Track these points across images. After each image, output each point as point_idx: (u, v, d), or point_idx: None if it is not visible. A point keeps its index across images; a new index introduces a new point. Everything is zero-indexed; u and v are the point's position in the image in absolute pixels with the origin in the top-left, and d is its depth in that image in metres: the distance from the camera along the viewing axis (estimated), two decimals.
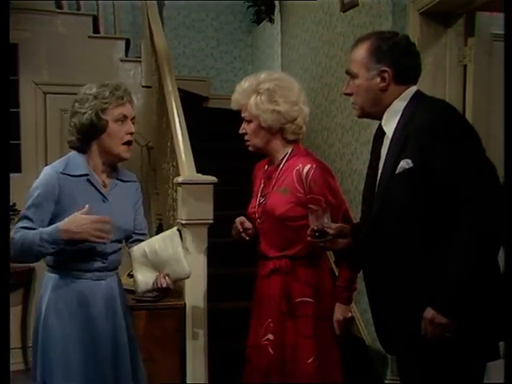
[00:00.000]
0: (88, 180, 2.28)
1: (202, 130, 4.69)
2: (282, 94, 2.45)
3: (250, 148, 2.54)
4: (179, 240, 2.32)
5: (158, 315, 3.15)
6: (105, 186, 2.34)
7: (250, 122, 2.48)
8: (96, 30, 5.04)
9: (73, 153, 2.34)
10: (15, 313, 4.61)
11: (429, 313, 1.81)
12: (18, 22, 4.66)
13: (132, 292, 3.31)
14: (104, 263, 2.31)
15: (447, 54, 3.33)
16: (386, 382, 3.55)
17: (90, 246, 2.22)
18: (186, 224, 3.15)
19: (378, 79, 1.95)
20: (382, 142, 2.03)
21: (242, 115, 2.50)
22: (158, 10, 4.95)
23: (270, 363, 2.43)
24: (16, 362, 4.58)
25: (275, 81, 2.49)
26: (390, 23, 3.51)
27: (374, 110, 2.02)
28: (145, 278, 2.31)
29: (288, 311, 2.42)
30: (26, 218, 2.23)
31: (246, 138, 2.52)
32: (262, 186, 2.56)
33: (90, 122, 2.24)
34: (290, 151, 2.51)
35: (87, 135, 2.28)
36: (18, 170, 4.71)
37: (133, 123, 2.33)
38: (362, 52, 1.98)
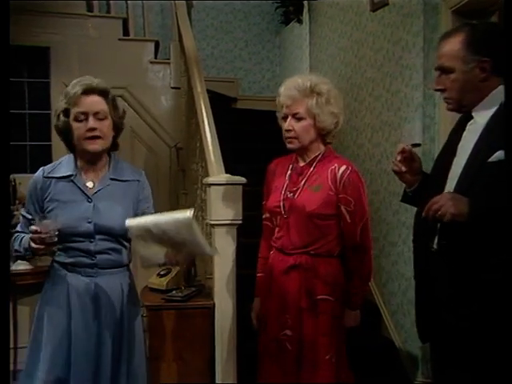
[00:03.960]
0: (72, 180, 2.34)
1: (230, 131, 4.70)
2: (335, 97, 2.53)
3: (294, 145, 2.53)
4: (195, 226, 2.17)
5: (187, 315, 3.16)
6: (93, 185, 2.36)
7: (302, 119, 2.49)
8: (126, 32, 5.10)
9: (68, 154, 2.43)
10: None
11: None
12: (49, 25, 4.73)
13: (162, 292, 3.34)
14: (93, 260, 2.32)
15: None
16: (416, 383, 3.51)
17: (76, 244, 2.30)
18: (215, 224, 3.16)
19: (477, 70, 1.92)
20: (465, 127, 1.99)
21: (295, 111, 2.49)
22: (187, 11, 4.98)
23: (288, 358, 2.48)
24: None
25: (328, 84, 2.55)
26: (421, 22, 3.47)
27: (471, 102, 1.97)
28: (149, 254, 2.23)
29: (308, 308, 2.46)
30: (21, 221, 2.43)
31: (292, 134, 2.50)
32: (287, 182, 2.58)
33: (56, 127, 2.36)
34: (323, 151, 2.57)
35: (62, 137, 2.38)
36: None
37: (99, 118, 2.29)
38: (456, 45, 1.94)
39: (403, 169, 2.08)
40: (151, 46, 5.09)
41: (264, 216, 2.75)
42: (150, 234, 2.17)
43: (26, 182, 4.41)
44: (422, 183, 2.11)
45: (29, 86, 4.81)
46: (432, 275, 1.97)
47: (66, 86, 4.83)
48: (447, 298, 1.90)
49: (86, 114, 2.27)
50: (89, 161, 2.36)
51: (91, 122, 2.26)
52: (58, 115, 2.32)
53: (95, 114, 2.28)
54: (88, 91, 2.30)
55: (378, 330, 3.93)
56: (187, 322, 3.13)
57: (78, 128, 2.28)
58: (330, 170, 2.49)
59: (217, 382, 3.14)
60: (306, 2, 5.62)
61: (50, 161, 4.69)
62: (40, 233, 2.15)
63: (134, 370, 2.38)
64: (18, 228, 2.42)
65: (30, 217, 2.36)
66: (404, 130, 3.68)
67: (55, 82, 4.77)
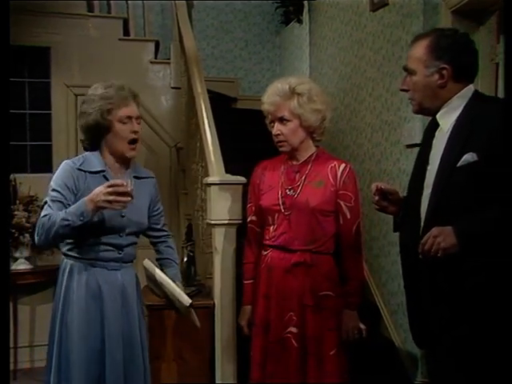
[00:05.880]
0: (104, 176, 2.37)
1: (230, 131, 4.70)
2: (318, 94, 2.57)
3: (286, 148, 2.59)
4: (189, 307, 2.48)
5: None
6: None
7: (288, 121, 2.54)
8: (126, 32, 5.11)
9: (88, 152, 2.44)
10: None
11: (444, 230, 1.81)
12: (49, 25, 4.74)
13: None
14: (120, 254, 2.39)
15: (479, 52, 3.27)
16: (416, 383, 3.52)
17: (106, 238, 2.32)
18: (215, 224, 3.16)
19: (437, 76, 1.97)
20: (434, 135, 2.04)
21: (280, 115, 2.54)
22: (187, 11, 4.98)
23: (294, 356, 2.49)
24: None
25: (309, 83, 2.61)
26: (421, 22, 3.47)
27: (431, 106, 2.03)
28: (152, 286, 2.58)
29: (313, 304, 2.49)
30: (50, 206, 2.30)
31: (282, 138, 2.57)
32: (283, 179, 2.61)
33: (95, 123, 2.34)
34: (315, 151, 2.64)
35: (94, 135, 2.38)
36: (50, 170, 4.77)
37: (138, 123, 2.42)
38: (421, 49, 2.00)
39: (384, 204, 2.18)
40: (151, 46, 5.10)
41: (249, 219, 2.74)
42: (156, 284, 2.48)
43: (26, 182, 4.45)
44: (403, 207, 2.18)
45: (29, 86, 4.82)
46: (420, 285, 2.00)
47: (67, 86, 4.86)
48: (439, 315, 1.93)
49: (130, 118, 2.38)
50: (122, 161, 2.44)
51: (136, 126, 2.39)
52: (102, 114, 2.33)
53: (136, 119, 2.41)
54: (131, 96, 2.41)
55: (377, 329, 3.93)
56: (187, 322, 3.13)
57: (123, 130, 2.37)
58: (329, 168, 2.56)
59: (217, 381, 3.15)
60: (306, 2, 5.62)
61: (50, 161, 4.76)
62: (119, 186, 2.17)
63: (146, 361, 2.47)
64: (49, 211, 2.27)
65: (66, 201, 2.29)
66: (404, 129, 3.69)
67: (56, 82, 4.78)
